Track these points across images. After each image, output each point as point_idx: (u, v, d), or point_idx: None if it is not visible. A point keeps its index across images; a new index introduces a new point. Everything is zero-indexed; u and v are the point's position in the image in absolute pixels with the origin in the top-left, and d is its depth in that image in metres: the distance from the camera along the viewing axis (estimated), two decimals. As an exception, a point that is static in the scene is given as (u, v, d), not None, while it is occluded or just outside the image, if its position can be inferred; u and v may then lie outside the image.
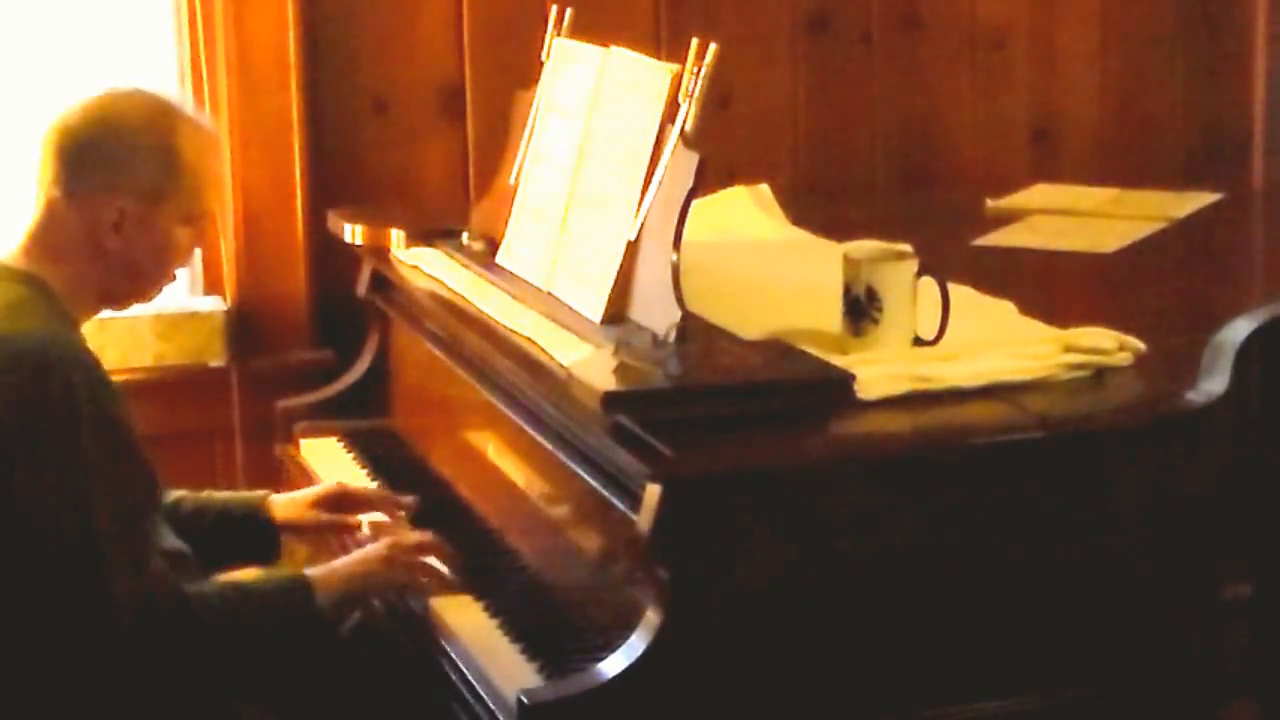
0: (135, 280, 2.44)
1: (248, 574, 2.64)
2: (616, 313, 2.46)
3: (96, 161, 2.37)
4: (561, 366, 2.33)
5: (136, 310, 3.36)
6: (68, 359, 2.27)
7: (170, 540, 2.42)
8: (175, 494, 2.68)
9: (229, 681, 2.38)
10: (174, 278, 2.50)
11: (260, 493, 2.77)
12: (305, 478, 3.02)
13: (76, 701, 2.27)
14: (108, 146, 2.37)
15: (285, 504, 2.74)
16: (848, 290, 2.36)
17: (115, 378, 2.40)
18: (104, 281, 2.40)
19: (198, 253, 3.55)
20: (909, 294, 2.36)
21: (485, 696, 2.17)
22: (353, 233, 3.20)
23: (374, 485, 2.87)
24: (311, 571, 2.43)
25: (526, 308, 2.62)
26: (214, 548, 2.60)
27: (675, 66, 2.46)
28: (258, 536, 2.71)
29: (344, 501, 2.74)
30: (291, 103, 3.48)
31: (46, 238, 2.38)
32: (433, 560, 2.49)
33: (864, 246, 2.42)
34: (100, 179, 2.36)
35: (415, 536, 2.54)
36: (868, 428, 2.17)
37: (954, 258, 2.86)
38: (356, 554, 2.50)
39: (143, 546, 2.28)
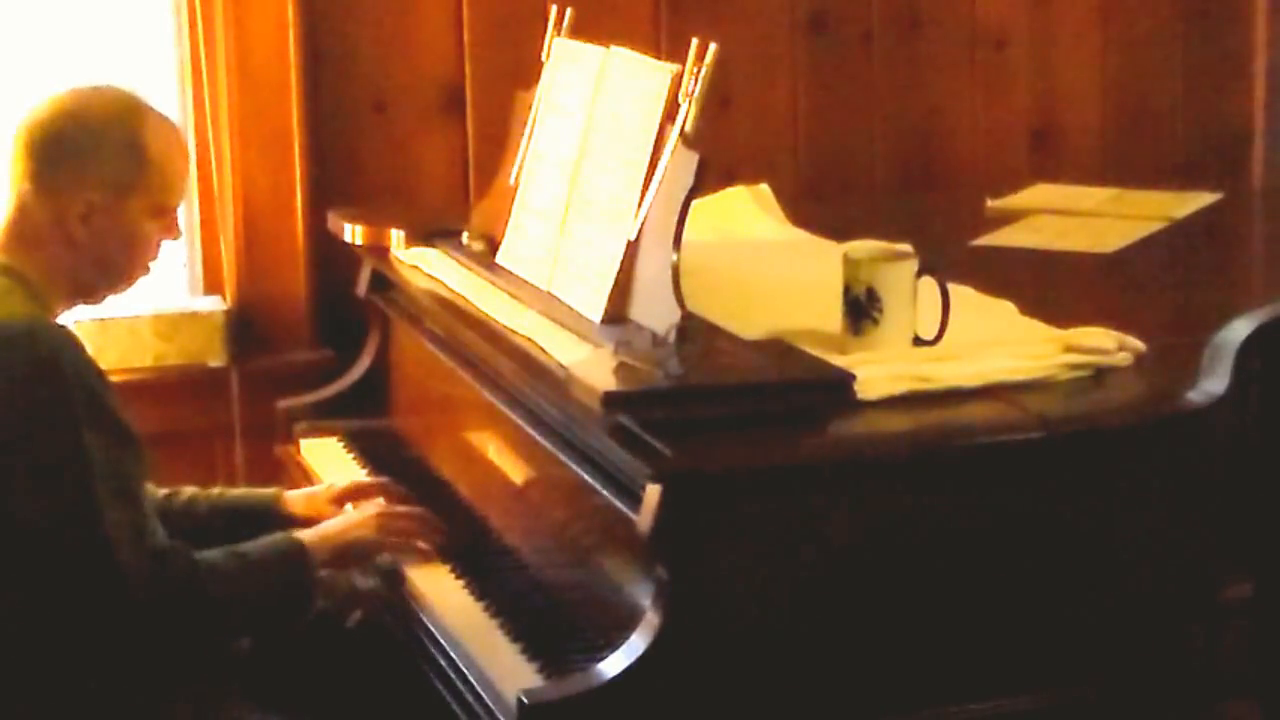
0: (105, 272, 2.47)
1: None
2: (616, 312, 2.45)
3: (64, 155, 2.41)
4: (561, 366, 2.33)
5: (136, 310, 3.42)
6: (55, 340, 2.32)
7: (160, 535, 2.44)
8: (186, 491, 2.72)
9: (229, 640, 2.48)
10: (147, 269, 2.53)
11: (272, 490, 2.82)
12: (305, 478, 3.03)
13: (89, 674, 2.30)
14: (75, 140, 2.42)
15: (304, 500, 2.78)
16: (848, 290, 2.36)
17: (115, 378, 2.42)
18: (76, 273, 2.44)
19: (198, 253, 3.57)
20: (909, 294, 2.36)
21: (485, 696, 2.18)
22: (353, 233, 3.20)
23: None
24: (302, 534, 2.50)
25: (526, 308, 2.62)
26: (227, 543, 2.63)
27: (675, 66, 2.46)
28: (271, 531, 2.73)
29: (358, 495, 2.80)
30: (291, 103, 3.48)
31: (19, 230, 2.42)
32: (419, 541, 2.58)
33: (864, 246, 2.42)
34: (68, 172, 2.41)
35: (405, 507, 2.66)
36: (868, 428, 2.17)
37: (954, 258, 2.86)
38: (344, 517, 2.60)
39: (142, 515, 2.32)
